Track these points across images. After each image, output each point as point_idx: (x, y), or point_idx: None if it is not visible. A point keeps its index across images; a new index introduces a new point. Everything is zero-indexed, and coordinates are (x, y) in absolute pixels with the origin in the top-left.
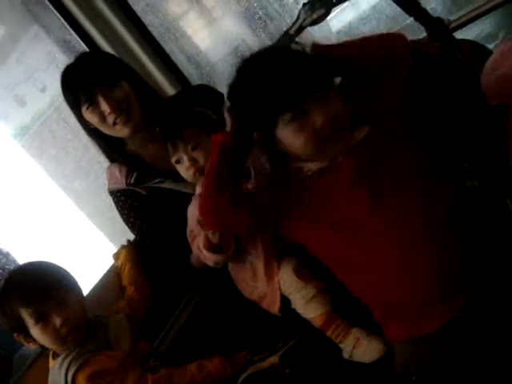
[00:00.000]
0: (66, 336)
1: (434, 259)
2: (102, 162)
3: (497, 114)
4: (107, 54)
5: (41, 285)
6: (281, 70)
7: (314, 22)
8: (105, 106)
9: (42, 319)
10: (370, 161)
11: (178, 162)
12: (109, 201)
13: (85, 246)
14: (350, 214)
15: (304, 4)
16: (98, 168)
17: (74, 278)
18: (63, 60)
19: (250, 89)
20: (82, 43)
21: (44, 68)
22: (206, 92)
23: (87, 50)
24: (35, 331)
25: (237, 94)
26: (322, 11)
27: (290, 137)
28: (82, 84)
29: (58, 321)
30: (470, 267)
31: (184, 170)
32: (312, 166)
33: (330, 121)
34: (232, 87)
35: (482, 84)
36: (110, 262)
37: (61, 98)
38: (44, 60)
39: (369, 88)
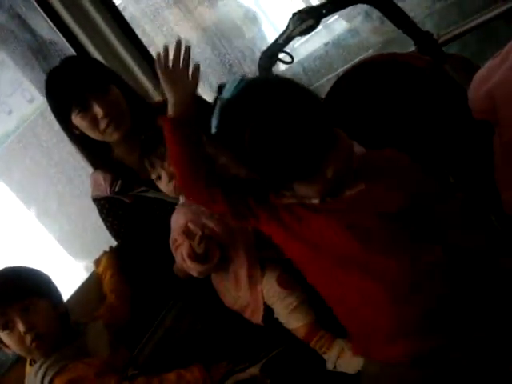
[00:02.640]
0: (30, 343)
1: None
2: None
3: (482, 128)
4: (94, 59)
5: (7, 290)
6: (288, 134)
7: (303, 33)
8: (98, 111)
9: (6, 325)
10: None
11: (158, 178)
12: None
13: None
14: (334, 245)
15: (293, 14)
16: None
17: (49, 284)
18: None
19: (254, 151)
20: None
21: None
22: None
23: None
24: (3, 337)
25: (237, 146)
26: (310, 22)
27: (299, 189)
28: (74, 89)
29: (21, 328)
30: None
31: (164, 185)
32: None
33: (340, 170)
34: (225, 132)
35: (469, 99)
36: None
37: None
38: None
39: None
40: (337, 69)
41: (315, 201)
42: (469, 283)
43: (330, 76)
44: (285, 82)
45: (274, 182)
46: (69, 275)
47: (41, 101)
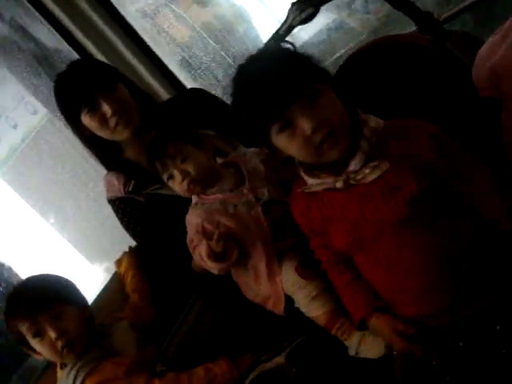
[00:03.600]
0: (62, 349)
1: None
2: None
3: (489, 105)
4: (99, 61)
5: (36, 299)
6: (261, 80)
7: (303, 21)
8: (107, 109)
9: (38, 333)
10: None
11: (169, 178)
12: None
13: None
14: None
15: (292, 4)
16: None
17: (73, 290)
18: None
19: (238, 101)
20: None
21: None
22: (200, 96)
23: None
24: (34, 344)
25: (232, 105)
26: (310, 10)
27: (283, 146)
28: (82, 89)
29: (53, 334)
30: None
31: (178, 184)
32: (321, 184)
33: (320, 126)
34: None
35: (474, 76)
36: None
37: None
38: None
39: None
40: (340, 52)
41: (339, 184)
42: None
43: (333, 58)
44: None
45: (254, 126)
46: (89, 279)
47: (44, 112)
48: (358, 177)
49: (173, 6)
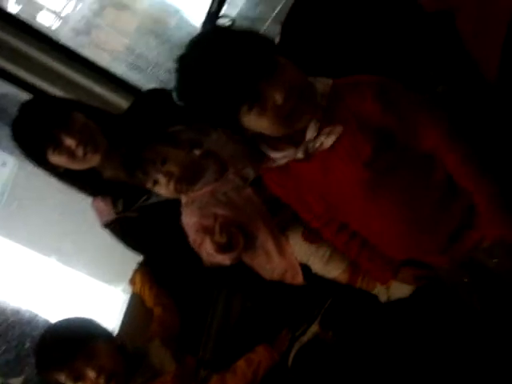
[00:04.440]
0: None
1: None
2: None
3: (441, 19)
4: (47, 95)
5: (66, 346)
6: (221, 64)
7: None
8: (70, 142)
9: (78, 378)
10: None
11: (154, 183)
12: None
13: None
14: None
15: None
16: None
17: (96, 325)
18: None
19: (198, 90)
20: None
21: None
22: (156, 95)
23: None
24: None
25: (187, 95)
26: None
27: (253, 124)
28: (40, 130)
29: (92, 374)
30: None
31: (164, 187)
32: (284, 156)
33: (289, 94)
34: (180, 88)
35: None
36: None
37: None
38: None
39: None
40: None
41: (299, 155)
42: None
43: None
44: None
45: (224, 113)
46: (110, 302)
47: (12, 161)
48: (316, 145)
49: (99, 20)
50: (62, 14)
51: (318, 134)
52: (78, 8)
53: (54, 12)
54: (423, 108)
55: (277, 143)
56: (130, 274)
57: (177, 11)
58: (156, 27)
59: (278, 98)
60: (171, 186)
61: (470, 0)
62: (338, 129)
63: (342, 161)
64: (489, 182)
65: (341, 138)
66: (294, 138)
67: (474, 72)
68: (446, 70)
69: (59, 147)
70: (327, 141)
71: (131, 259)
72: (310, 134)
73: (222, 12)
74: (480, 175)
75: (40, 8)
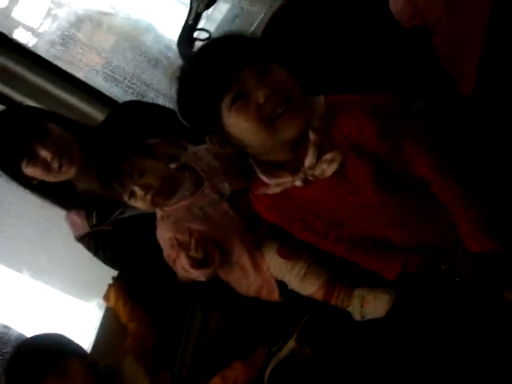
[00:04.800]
0: None
1: None
2: None
3: (417, 35)
4: (22, 106)
5: (39, 363)
6: (208, 56)
7: (208, 5)
8: (46, 154)
9: None
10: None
11: (131, 196)
12: None
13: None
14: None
15: None
16: None
17: (68, 342)
18: None
19: (187, 78)
20: None
21: None
22: (132, 107)
23: None
24: None
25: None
26: None
27: (236, 122)
28: (15, 141)
29: None
30: None
31: (140, 200)
32: (280, 184)
33: (273, 95)
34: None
35: (393, 10)
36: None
37: None
38: None
39: None
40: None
41: (298, 183)
42: None
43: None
44: None
45: (205, 103)
46: (84, 317)
47: None
48: (316, 172)
49: (76, 33)
50: (40, 30)
51: (317, 161)
52: (54, 24)
53: (31, 29)
54: (412, 137)
55: (272, 169)
56: (104, 288)
57: (152, 26)
58: (132, 41)
59: (260, 95)
60: (148, 198)
61: (446, 17)
62: (338, 156)
63: (347, 187)
64: (472, 208)
65: (342, 167)
66: (292, 164)
67: (450, 88)
68: (422, 85)
69: (34, 159)
70: (329, 169)
71: (106, 274)
72: (309, 161)
73: (200, 26)
74: (465, 203)
75: (16, 25)
